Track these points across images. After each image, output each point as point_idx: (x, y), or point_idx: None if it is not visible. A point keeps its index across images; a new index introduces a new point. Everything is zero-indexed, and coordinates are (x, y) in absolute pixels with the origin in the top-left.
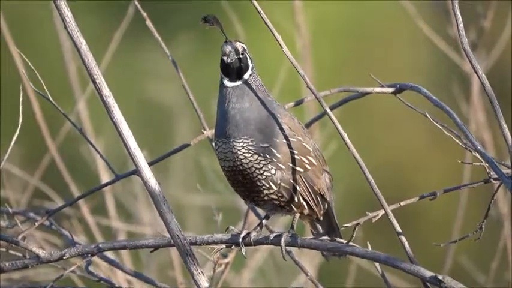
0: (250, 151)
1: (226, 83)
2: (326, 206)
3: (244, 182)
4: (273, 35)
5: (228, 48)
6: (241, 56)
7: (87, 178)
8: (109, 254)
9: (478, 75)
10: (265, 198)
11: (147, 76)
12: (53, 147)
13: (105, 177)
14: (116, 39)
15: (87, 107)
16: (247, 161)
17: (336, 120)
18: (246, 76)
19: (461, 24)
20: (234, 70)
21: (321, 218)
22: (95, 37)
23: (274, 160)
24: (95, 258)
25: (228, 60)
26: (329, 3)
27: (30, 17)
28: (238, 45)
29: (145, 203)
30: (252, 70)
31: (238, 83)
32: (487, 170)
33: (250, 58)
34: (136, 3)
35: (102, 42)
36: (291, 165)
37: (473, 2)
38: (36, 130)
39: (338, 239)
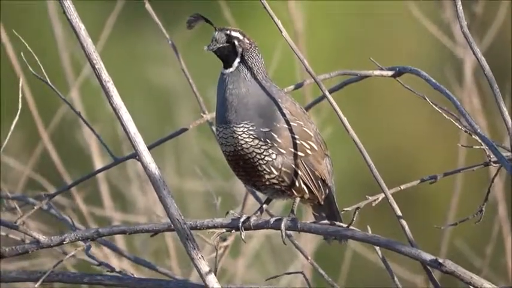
0: (250, 136)
1: (223, 69)
2: (327, 190)
3: (245, 166)
4: (272, 19)
5: (212, 37)
6: (224, 44)
7: (81, 167)
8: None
9: (477, 58)
10: (267, 183)
11: (147, 60)
12: (46, 136)
13: (99, 164)
14: (109, 23)
15: (80, 96)
16: (248, 145)
17: (335, 104)
18: (235, 63)
19: (461, 7)
20: (222, 57)
21: (322, 203)
22: (93, 24)
23: (275, 145)
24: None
25: (209, 49)
26: None
27: (21, 4)
28: (219, 34)
29: (139, 189)
30: (241, 57)
31: (232, 69)
32: (487, 153)
33: (239, 45)
34: None
35: (100, 29)
36: (292, 150)
37: None
38: (29, 120)
39: (338, 223)
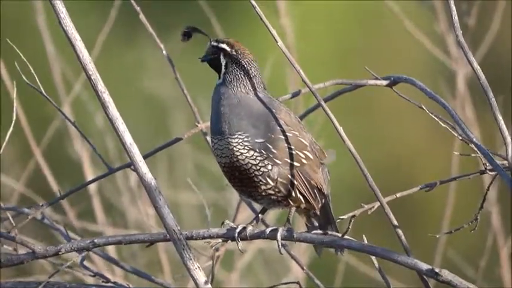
0: (245, 147)
1: (217, 80)
2: (323, 199)
3: (241, 177)
4: (268, 28)
5: (205, 48)
6: (212, 56)
7: (73, 181)
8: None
9: (473, 68)
10: (263, 193)
11: (141, 71)
12: (38, 152)
13: (91, 176)
14: (102, 36)
15: (72, 110)
16: (243, 157)
17: (330, 113)
18: (221, 75)
19: (456, 17)
20: (214, 69)
21: (318, 212)
22: (85, 37)
23: (271, 156)
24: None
25: (201, 60)
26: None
27: (10, 17)
28: (209, 46)
29: (130, 202)
30: (226, 68)
31: (221, 80)
32: (483, 161)
33: (223, 57)
34: None
35: (92, 42)
36: (287, 160)
37: (458, 1)
38: (21, 135)
39: (333, 232)
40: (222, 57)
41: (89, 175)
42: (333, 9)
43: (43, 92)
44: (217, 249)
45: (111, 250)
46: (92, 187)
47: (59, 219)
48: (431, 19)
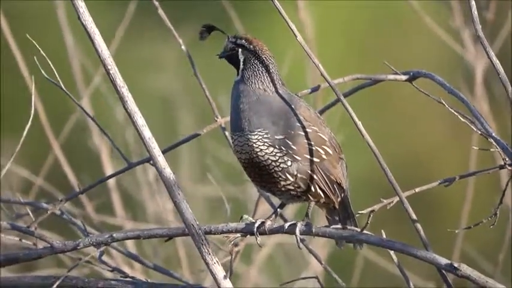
0: (265, 143)
1: (235, 76)
2: (342, 194)
3: (261, 173)
4: (287, 23)
5: (223, 45)
6: (230, 52)
7: (92, 174)
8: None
9: (492, 62)
10: (282, 189)
11: (151, 67)
12: (56, 145)
13: (110, 171)
14: (119, 32)
15: (91, 103)
16: (263, 153)
17: (349, 108)
18: (239, 71)
19: (476, 11)
20: (232, 65)
21: (338, 206)
22: (106, 31)
23: (290, 152)
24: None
25: (219, 56)
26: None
27: (31, 12)
28: (226, 42)
29: (149, 196)
30: (244, 64)
31: (239, 77)
32: (502, 156)
33: (242, 52)
34: None
35: (108, 36)
36: (307, 156)
37: None
38: (39, 129)
39: (352, 227)
40: (240, 53)
41: (108, 168)
42: (351, 5)
43: (62, 86)
44: (236, 244)
45: (130, 244)
46: (111, 181)
47: (77, 213)
48: (446, 14)
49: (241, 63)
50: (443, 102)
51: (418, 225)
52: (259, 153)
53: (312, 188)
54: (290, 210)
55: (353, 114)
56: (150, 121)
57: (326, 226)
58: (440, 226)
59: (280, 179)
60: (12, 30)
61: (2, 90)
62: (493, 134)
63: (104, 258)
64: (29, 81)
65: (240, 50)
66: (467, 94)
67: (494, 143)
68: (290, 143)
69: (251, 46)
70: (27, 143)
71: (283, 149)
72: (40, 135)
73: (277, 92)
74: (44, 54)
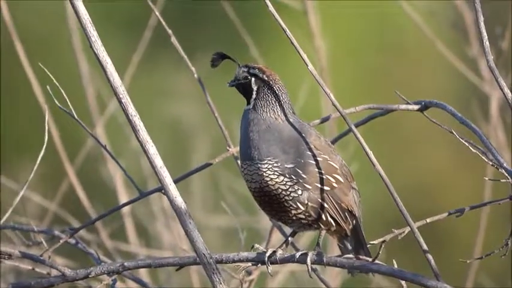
0: (275, 172)
1: (245, 106)
2: (354, 221)
3: (271, 202)
4: (298, 53)
5: (234, 73)
6: (243, 81)
7: (106, 202)
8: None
9: (503, 92)
10: (293, 217)
11: (163, 96)
12: (71, 172)
13: (124, 199)
14: (134, 61)
15: (105, 132)
16: (273, 182)
17: (361, 138)
18: (252, 100)
19: (487, 42)
20: (243, 94)
21: (349, 234)
22: (115, 59)
23: (301, 181)
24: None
25: (229, 84)
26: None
27: (46, 39)
28: (239, 71)
29: (164, 225)
30: (257, 93)
31: (250, 106)
32: None
33: (255, 82)
34: (161, 20)
35: (122, 64)
36: (318, 184)
37: (492, 23)
38: (53, 155)
39: (364, 257)
40: (253, 82)
41: (122, 195)
42: (365, 31)
43: (75, 116)
44: (249, 273)
45: (143, 271)
46: (125, 208)
47: (91, 239)
48: (463, 43)
49: (254, 93)
50: (454, 133)
51: (429, 256)
52: (269, 182)
53: (323, 217)
54: (305, 238)
55: (364, 145)
56: (163, 149)
57: (338, 256)
58: (453, 253)
59: (290, 208)
60: (29, 57)
61: (20, 116)
62: (504, 164)
63: (118, 285)
64: (44, 108)
65: (253, 79)
66: (482, 123)
67: (505, 173)
68: (300, 171)
69: (264, 76)
70: (42, 169)
71: (294, 177)
72: (54, 162)
73: (287, 120)
74: (58, 84)
